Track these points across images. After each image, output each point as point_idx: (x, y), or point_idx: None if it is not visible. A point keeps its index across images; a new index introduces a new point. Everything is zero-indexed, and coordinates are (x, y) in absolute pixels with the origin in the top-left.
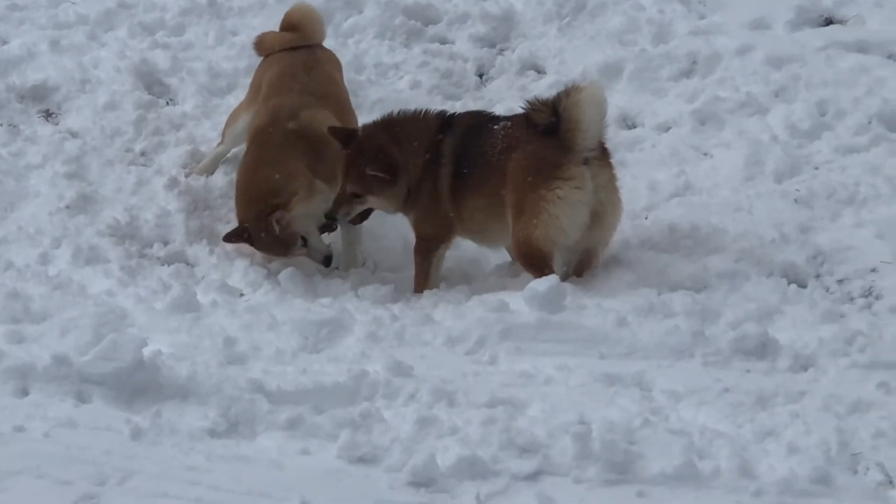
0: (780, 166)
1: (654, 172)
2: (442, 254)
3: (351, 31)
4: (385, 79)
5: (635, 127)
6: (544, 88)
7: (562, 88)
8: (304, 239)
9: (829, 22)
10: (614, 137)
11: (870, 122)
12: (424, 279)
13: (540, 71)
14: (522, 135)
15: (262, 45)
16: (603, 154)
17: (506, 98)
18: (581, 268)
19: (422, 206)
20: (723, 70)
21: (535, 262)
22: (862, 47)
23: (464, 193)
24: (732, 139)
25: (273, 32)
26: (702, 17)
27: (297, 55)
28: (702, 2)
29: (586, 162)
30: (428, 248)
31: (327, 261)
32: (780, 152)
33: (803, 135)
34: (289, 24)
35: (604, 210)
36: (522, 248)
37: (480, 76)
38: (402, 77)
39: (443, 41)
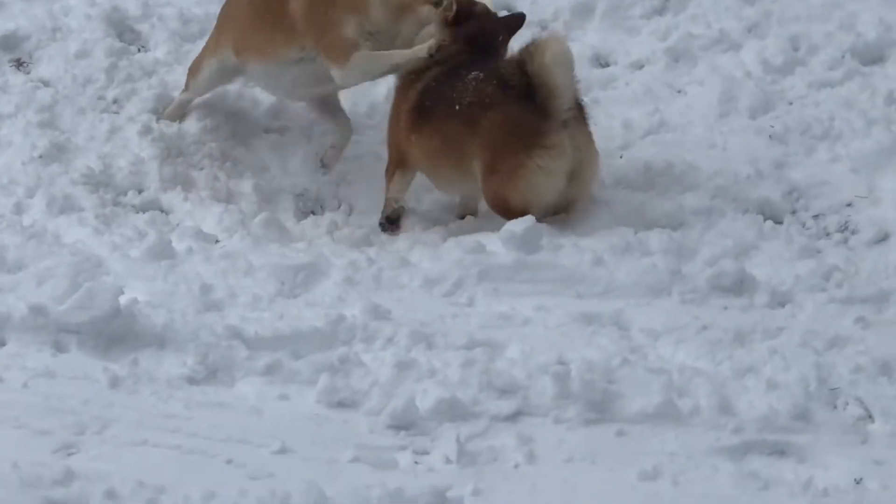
0: (755, 102)
1: (627, 111)
2: (399, 180)
3: None
4: None
5: (608, 65)
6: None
7: (525, 44)
8: None
9: None
10: (588, 76)
11: (843, 57)
12: (386, 200)
13: (510, 9)
14: (497, 93)
15: None
16: (579, 110)
17: None
18: (558, 213)
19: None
20: (695, 7)
21: (510, 216)
22: None
23: (420, 128)
24: (706, 76)
25: None
26: None
27: None
28: None
29: (565, 125)
30: (387, 170)
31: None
32: (753, 88)
33: (777, 70)
34: None
35: (581, 168)
36: (498, 203)
37: None
38: None
39: None
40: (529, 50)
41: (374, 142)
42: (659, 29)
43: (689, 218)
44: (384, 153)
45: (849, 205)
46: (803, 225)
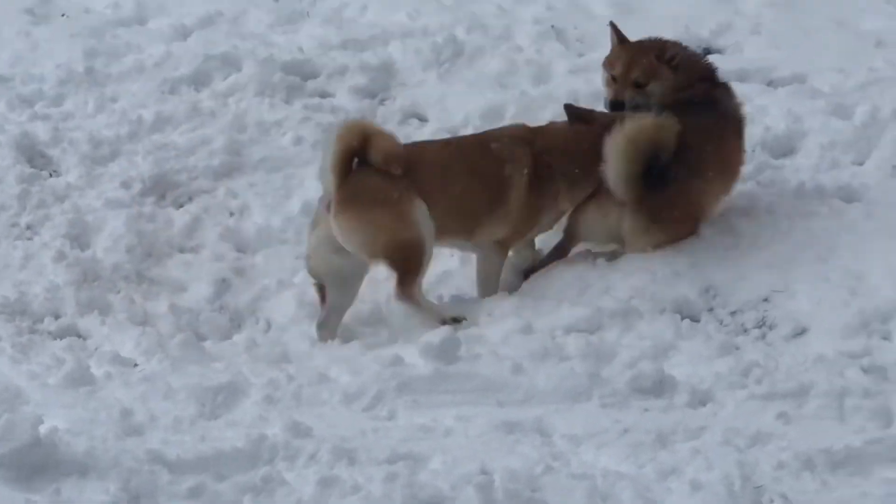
0: None
1: None
2: None
3: (230, 91)
4: (267, 136)
5: None
6: (427, 136)
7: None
8: None
9: (707, 52)
10: None
11: (753, 151)
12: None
13: (422, 119)
14: None
15: None
16: None
17: None
18: None
19: None
20: (604, 108)
21: None
22: (741, 76)
23: None
24: None
25: None
26: (580, 55)
27: None
28: (580, 40)
29: None
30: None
31: None
32: None
33: None
34: None
35: None
36: None
37: None
38: (284, 134)
39: (323, 95)
40: None
41: (290, 255)
42: None
43: (607, 320)
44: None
45: (766, 300)
46: (721, 322)
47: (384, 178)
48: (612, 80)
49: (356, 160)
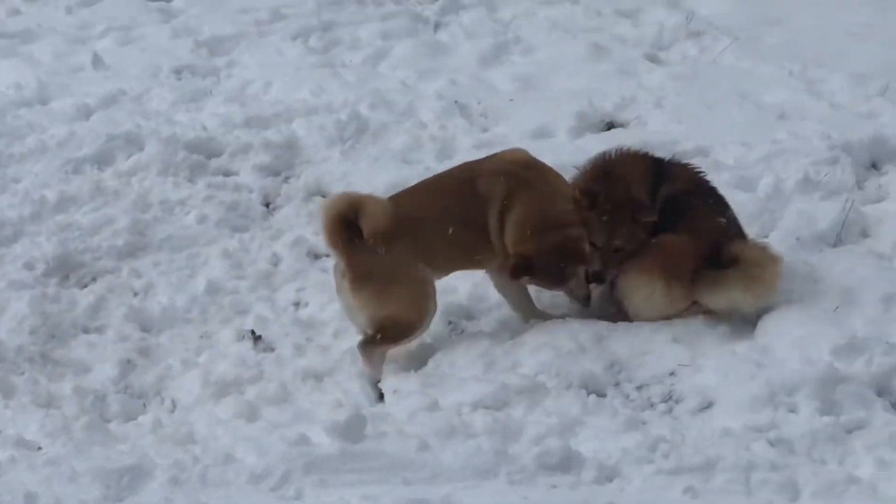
0: None
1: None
2: None
3: (134, 170)
4: (171, 215)
5: None
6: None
7: None
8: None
9: (610, 126)
10: None
11: None
12: None
13: (326, 196)
14: None
15: None
16: None
17: (295, 226)
18: None
19: None
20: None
21: None
22: (645, 149)
23: None
24: None
25: None
26: (484, 129)
27: None
28: (483, 115)
29: None
30: None
31: (587, 301)
32: None
33: None
34: None
35: None
36: None
37: (267, 206)
38: (188, 212)
39: (227, 173)
40: None
41: (194, 335)
42: None
43: (513, 397)
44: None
45: (672, 374)
46: (627, 397)
47: (394, 254)
48: (594, 247)
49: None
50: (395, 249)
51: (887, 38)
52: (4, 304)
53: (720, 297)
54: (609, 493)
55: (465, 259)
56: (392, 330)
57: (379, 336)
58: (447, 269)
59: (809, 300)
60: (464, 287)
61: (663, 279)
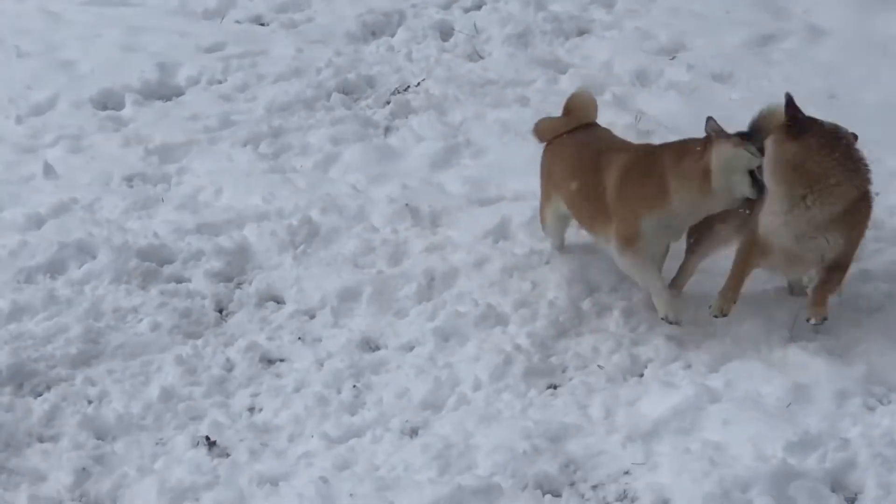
0: (528, 375)
1: (402, 395)
2: None
3: (86, 279)
4: (124, 323)
5: (379, 349)
6: (285, 318)
7: None
8: None
9: None
10: (358, 361)
11: None
12: None
13: (279, 301)
14: None
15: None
16: None
17: (248, 332)
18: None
19: None
20: (461, 285)
21: None
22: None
23: None
24: (477, 352)
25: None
26: (435, 232)
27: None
28: (434, 218)
29: None
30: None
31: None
32: (524, 360)
33: (541, 344)
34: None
35: None
36: None
37: (220, 312)
38: (141, 320)
39: (179, 280)
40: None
41: (150, 442)
42: (426, 310)
43: (469, 498)
44: None
45: (627, 472)
46: (583, 496)
47: None
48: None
49: None
50: None
51: None
52: None
53: None
54: None
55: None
56: None
57: None
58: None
59: (763, 396)
60: (419, 388)
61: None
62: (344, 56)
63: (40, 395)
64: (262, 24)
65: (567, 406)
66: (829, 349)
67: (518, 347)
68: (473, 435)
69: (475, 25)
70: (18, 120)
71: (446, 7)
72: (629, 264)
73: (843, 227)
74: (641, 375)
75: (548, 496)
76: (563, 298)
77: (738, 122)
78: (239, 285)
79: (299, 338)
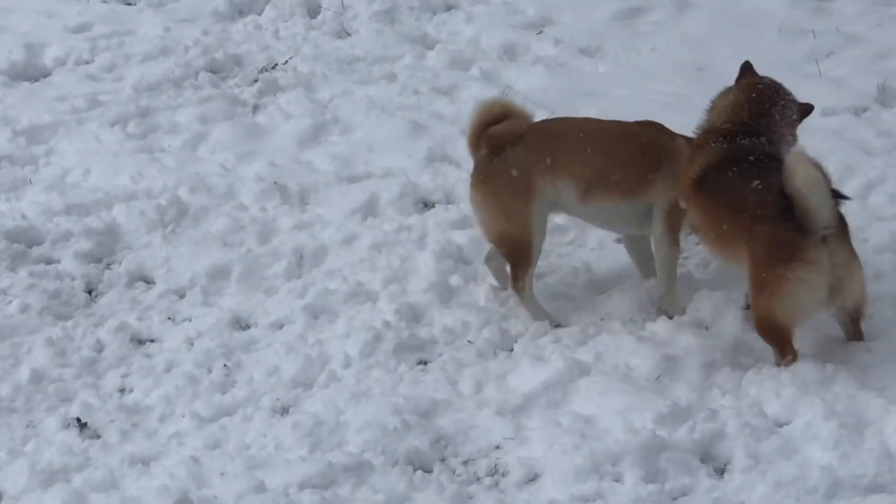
0: (398, 350)
1: (272, 373)
2: None
3: None
4: None
5: (249, 328)
6: (155, 298)
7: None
8: None
9: (426, 204)
10: (228, 340)
11: None
12: None
13: (149, 281)
14: (769, 207)
15: None
16: (839, 226)
17: (118, 312)
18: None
19: None
20: (330, 262)
21: (775, 337)
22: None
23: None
24: (347, 329)
25: None
26: (304, 210)
27: None
28: (303, 196)
29: (824, 240)
30: None
31: None
32: (394, 337)
33: (411, 319)
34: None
35: (841, 283)
36: (763, 323)
37: (90, 293)
38: (10, 302)
39: (48, 261)
40: (786, 173)
41: (20, 424)
42: (296, 287)
43: (340, 475)
44: None
45: (497, 447)
46: (454, 472)
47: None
48: None
49: None
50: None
51: (698, 107)
52: None
53: None
54: None
55: None
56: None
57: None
58: None
59: (632, 369)
60: (289, 366)
61: None
62: (211, 35)
63: None
64: (129, 4)
65: (437, 381)
66: (698, 321)
67: (388, 324)
68: (344, 412)
69: (342, 3)
70: None
71: None
72: (671, 258)
73: None
74: (511, 350)
75: (419, 472)
76: (432, 274)
77: (608, 97)
78: (108, 266)
79: (169, 317)
